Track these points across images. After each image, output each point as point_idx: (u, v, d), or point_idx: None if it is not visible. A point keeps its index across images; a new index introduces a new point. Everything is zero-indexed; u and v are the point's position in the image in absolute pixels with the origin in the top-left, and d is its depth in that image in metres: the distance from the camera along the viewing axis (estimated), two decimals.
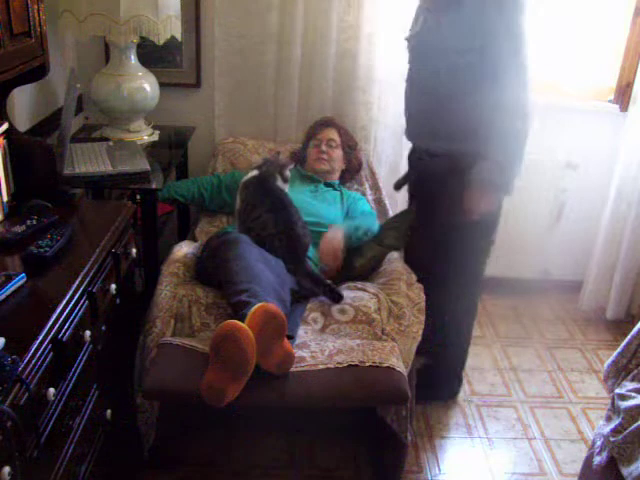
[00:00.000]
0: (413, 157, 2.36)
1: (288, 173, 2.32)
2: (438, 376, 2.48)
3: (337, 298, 2.11)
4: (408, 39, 2.21)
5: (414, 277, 2.28)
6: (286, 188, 2.30)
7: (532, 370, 2.74)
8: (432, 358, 2.45)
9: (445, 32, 2.01)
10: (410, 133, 2.30)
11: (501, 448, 2.30)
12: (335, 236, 2.29)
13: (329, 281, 2.15)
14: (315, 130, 2.67)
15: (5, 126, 1.75)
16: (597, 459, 1.69)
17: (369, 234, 2.42)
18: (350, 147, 2.69)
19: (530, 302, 3.25)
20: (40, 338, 1.23)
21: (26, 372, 1.16)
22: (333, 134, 2.64)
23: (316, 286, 2.15)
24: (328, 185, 2.61)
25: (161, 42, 2.38)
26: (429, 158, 2.20)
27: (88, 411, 1.54)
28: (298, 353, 1.86)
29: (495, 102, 1.94)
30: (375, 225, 2.48)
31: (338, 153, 2.64)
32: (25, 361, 1.17)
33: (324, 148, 2.61)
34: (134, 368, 1.99)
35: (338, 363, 1.85)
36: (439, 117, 2.08)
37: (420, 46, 2.15)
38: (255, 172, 2.32)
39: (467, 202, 2.08)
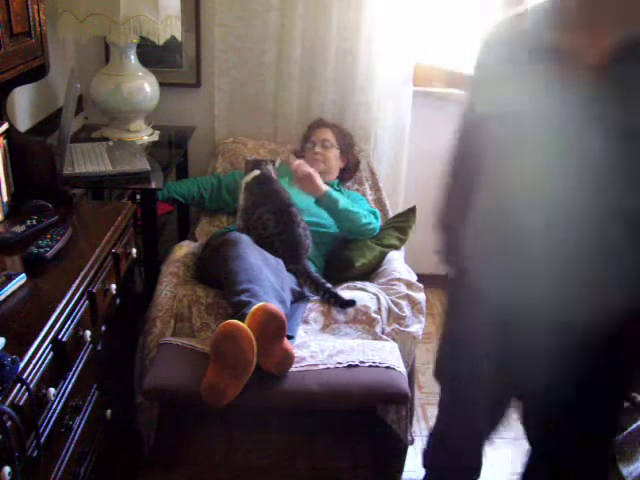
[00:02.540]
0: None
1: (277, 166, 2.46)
2: None
3: (342, 302, 2.09)
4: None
5: (414, 277, 2.28)
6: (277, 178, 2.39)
7: None
8: None
9: None
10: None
11: (501, 448, 2.30)
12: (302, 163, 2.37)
13: (329, 284, 2.15)
14: (309, 132, 2.69)
15: (5, 126, 1.74)
16: None
17: (363, 223, 2.40)
18: (347, 145, 2.69)
19: None
20: (40, 338, 1.23)
21: (26, 372, 1.16)
22: (327, 134, 2.64)
23: (315, 288, 2.15)
24: (328, 185, 2.61)
25: (161, 42, 2.38)
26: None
27: (88, 411, 1.54)
28: (298, 353, 1.86)
29: None
30: (377, 222, 2.48)
31: (334, 152, 2.64)
32: (25, 361, 1.17)
33: (318, 149, 2.61)
34: (134, 368, 1.99)
35: (338, 363, 1.85)
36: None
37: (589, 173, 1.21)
38: (257, 172, 2.34)
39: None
